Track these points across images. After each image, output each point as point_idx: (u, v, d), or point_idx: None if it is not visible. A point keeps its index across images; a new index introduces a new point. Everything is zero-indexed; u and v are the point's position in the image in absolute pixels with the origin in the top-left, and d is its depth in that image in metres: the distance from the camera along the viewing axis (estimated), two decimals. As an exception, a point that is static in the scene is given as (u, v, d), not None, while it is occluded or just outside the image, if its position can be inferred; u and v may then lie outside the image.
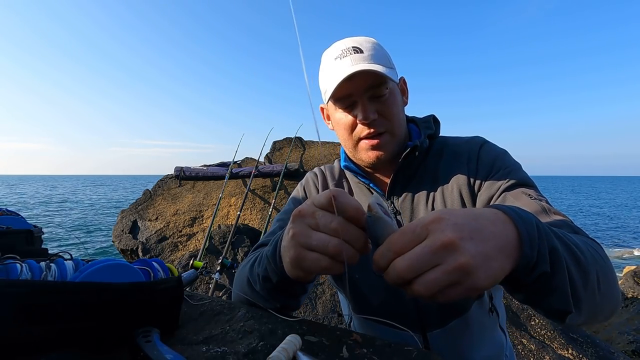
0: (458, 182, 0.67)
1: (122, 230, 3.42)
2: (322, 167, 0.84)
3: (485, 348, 0.69)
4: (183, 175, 4.06)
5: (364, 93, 0.63)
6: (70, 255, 0.56)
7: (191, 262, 2.66)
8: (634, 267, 4.69)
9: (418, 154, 0.69)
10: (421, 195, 0.69)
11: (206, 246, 2.85)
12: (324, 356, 0.42)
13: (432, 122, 0.76)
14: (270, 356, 0.37)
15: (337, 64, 0.63)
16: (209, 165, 4.27)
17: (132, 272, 0.49)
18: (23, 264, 0.47)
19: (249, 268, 0.60)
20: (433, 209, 0.67)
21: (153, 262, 0.57)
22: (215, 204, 3.51)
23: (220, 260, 2.61)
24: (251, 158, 4.40)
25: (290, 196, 0.84)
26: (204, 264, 2.64)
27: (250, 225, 3.30)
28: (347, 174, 0.79)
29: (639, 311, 3.19)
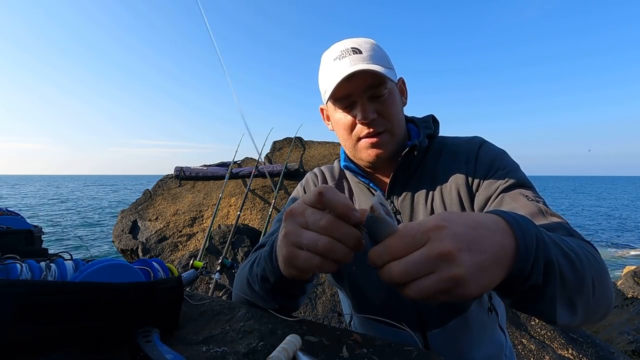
0: (457, 181, 0.67)
1: (122, 230, 3.42)
2: (322, 168, 0.84)
3: (484, 347, 0.69)
4: (183, 175, 4.07)
5: (363, 93, 0.64)
6: (70, 255, 0.56)
7: (191, 262, 2.66)
8: (634, 267, 4.68)
9: (417, 154, 0.69)
10: (420, 195, 0.69)
11: (206, 246, 2.85)
12: (324, 356, 0.42)
13: (431, 122, 0.76)
14: (270, 356, 0.37)
15: (336, 64, 0.63)
16: (209, 165, 4.27)
17: (132, 272, 0.49)
18: (23, 264, 0.47)
19: (248, 268, 0.60)
20: (432, 208, 0.68)
21: (153, 262, 0.57)
22: (215, 204, 3.51)
23: (220, 260, 2.61)
24: (251, 158, 4.41)
25: (290, 196, 0.84)
26: (204, 264, 2.64)
27: (250, 225, 3.30)
28: (347, 173, 0.80)
29: (639, 311, 3.19)
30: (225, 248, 2.77)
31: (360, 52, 0.63)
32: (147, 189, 4.03)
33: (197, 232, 3.35)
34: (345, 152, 0.77)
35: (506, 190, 0.61)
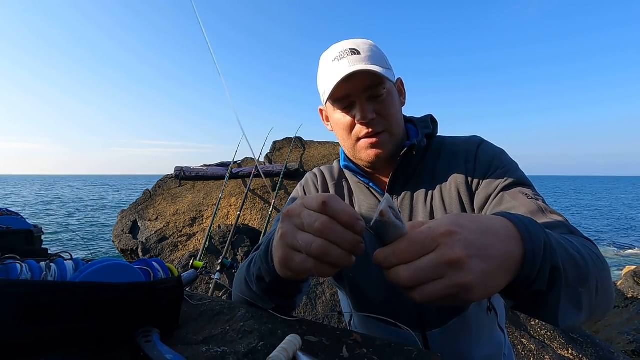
0: (456, 181, 0.67)
1: (122, 230, 3.42)
2: (321, 168, 0.85)
3: (484, 347, 0.70)
4: (183, 175, 4.07)
5: (362, 93, 0.64)
6: (70, 255, 0.56)
7: (191, 262, 2.66)
8: (634, 267, 4.68)
9: (416, 153, 0.69)
10: (420, 194, 0.70)
11: (206, 246, 2.85)
12: (324, 356, 0.42)
13: (430, 121, 0.77)
14: (270, 356, 0.37)
15: (335, 65, 0.63)
16: (209, 165, 4.27)
17: (132, 272, 0.49)
18: (23, 264, 0.47)
19: (246, 268, 0.60)
20: (432, 207, 0.68)
21: (153, 262, 0.57)
22: (215, 204, 3.51)
23: (220, 260, 2.61)
24: (251, 158, 4.40)
25: (290, 196, 0.84)
26: (204, 264, 2.64)
27: (250, 225, 3.30)
28: (347, 173, 0.80)
29: (639, 311, 3.19)
30: (225, 248, 2.77)
31: (359, 53, 0.63)
32: (147, 189, 4.03)
33: (197, 232, 3.35)
34: (344, 152, 0.77)
35: (506, 188, 0.62)
